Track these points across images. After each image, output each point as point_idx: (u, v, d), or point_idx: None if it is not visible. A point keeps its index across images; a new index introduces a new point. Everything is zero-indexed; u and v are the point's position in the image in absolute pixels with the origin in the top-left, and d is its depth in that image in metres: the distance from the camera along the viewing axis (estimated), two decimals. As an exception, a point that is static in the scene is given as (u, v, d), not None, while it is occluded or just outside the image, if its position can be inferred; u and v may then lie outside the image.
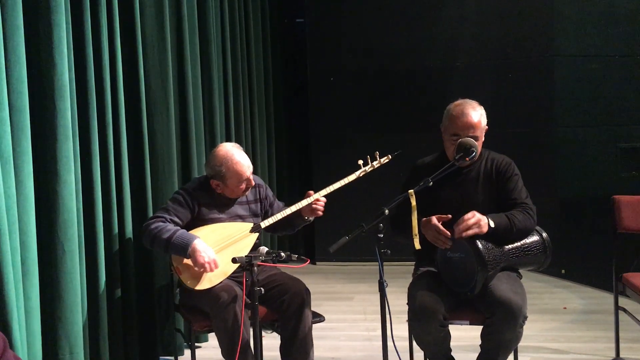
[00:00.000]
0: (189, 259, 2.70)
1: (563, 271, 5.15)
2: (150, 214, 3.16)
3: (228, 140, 4.35)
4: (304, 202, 2.87)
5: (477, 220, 2.49)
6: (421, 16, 5.72)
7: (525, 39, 5.50)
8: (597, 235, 4.97)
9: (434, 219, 2.55)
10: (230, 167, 2.82)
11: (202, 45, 3.93)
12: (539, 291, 4.75)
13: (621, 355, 3.21)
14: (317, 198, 2.87)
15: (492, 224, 2.52)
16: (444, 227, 2.54)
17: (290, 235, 5.85)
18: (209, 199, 2.88)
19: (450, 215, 2.55)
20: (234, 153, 2.85)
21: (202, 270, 2.69)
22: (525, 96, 5.49)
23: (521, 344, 2.64)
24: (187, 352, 3.43)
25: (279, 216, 2.88)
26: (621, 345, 3.21)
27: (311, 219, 2.99)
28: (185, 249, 2.66)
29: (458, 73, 5.65)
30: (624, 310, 3.16)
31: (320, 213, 2.92)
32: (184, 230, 2.74)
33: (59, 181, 2.45)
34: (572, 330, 3.84)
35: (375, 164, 2.98)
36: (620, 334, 3.21)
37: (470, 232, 2.48)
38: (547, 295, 4.67)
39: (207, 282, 2.73)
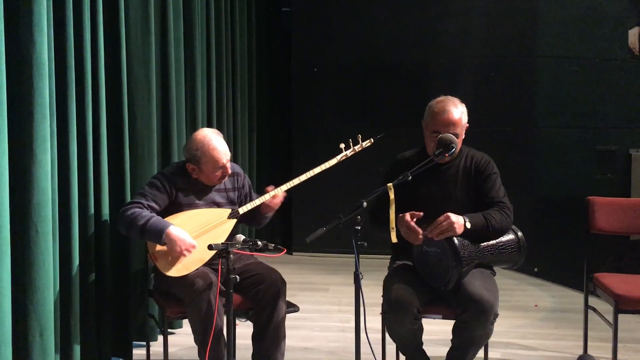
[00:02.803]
0: (164, 246, 2.68)
1: (536, 269, 5.23)
2: (128, 198, 3.13)
3: (209, 126, 4.32)
4: (263, 198, 2.85)
5: (450, 224, 2.50)
6: (406, 12, 5.72)
7: (508, 39, 5.55)
8: (570, 235, 5.04)
9: (407, 216, 2.57)
10: (206, 152, 2.79)
11: (186, 29, 3.89)
12: (512, 288, 4.82)
13: (588, 353, 3.27)
14: (276, 194, 2.86)
15: (468, 225, 2.54)
16: (419, 223, 2.56)
17: (267, 225, 5.82)
18: (187, 184, 2.86)
19: (422, 213, 2.57)
20: (212, 138, 2.82)
21: (178, 257, 2.67)
22: (506, 95, 5.54)
23: (492, 339, 2.68)
24: (161, 338, 3.41)
25: (257, 202, 2.87)
26: (589, 343, 3.27)
27: (269, 214, 2.97)
28: (159, 235, 2.65)
29: (441, 69, 5.68)
30: (594, 309, 3.21)
31: (274, 207, 2.91)
32: (159, 217, 2.71)
33: (34, 161, 2.41)
34: (542, 328, 3.90)
35: (357, 147, 2.97)
36: (589, 333, 3.27)
37: (443, 236, 2.51)
38: (519, 292, 4.74)
39: (183, 268, 2.72)
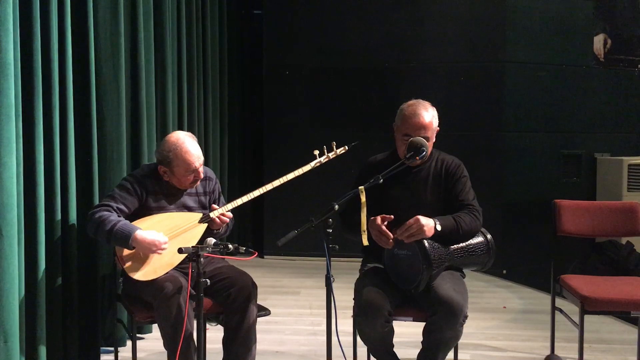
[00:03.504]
0: (132, 250, 2.64)
1: (504, 271, 5.31)
2: (97, 201, 3.08)
3: (180, 129, 4.28)
4: (220, 210, 2.81)
5: (419, 227, 2.52)
6: (378, 16, 5.76)
7: (478, 45, 5.64)
8: (537, 237, 5.15)
9: (378, 219, 2.58)
10: (178, 155, 2.76)
11: (157, 31, 3.85)
12: (481, 290, 4.88)
13: (555, 353, 3.33)
14: (223, 212, 2.83)
15: (438, 227, 2.56)
16: (390, 226, 2.57)
17: (238, 228, 5.81)
18: (158, 187, 2.82)
19: (392, 216, 2.58)
20: (185, 141, 2.79)
21: (149, 259, 2.63)
22: (476, 100, 5.63)
23: (461, 341, 2.71)
24: (129, 343, 3.36)
25: (229, 206, 2.84)
26: (556, 344, 3.33)
27: (217, 231, 2.91)
28: (127, 240, 2.60)
29: (412, 74, 5.73)
30: (560, 310, 3.27)
31: (217, 227, 2.86)
32: (127, 221, 2.67)
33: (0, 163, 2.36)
34: (510, 329, 3.96)
35: (331, 154, 2.96)
36: (556, 334, 3.33)
37: (413, 239, 2.52)
38: (488, 294, 4.80)
39: (152, 272, 2.69)
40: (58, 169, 2.83)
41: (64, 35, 2.85)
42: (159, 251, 2.64)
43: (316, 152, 2.92)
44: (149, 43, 3.71)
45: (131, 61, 3.50)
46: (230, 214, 2.86)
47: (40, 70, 2.66)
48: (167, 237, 2.67)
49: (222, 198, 3.06)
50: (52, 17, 2.74)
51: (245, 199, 2.85)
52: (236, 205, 2.85)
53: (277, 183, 2.87)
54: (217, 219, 2.83)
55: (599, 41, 5.84)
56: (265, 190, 2.86)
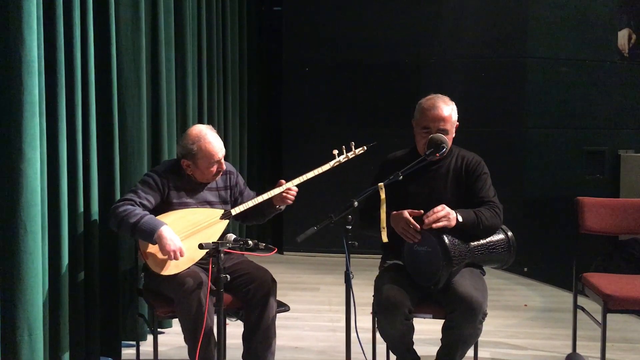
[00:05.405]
0: (155, 245, 2.67)
1: (525, 269, 5.26)
2: (118, 196, 3.11)
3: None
4: (275, 191, 2.85)
5: (447, 214, 2.52)
6: (398, 11, 5.74)
7: (499, 40, 5.58)
8: (559, 235, 5.09)
9: (406, 213, 2.57)
10: (202, 147, 2.79)
11: (177, 27, 3.88)
12: (501, 288, 4.84)
13: (577, 352, 3.29)
14: (290, 187, 2.86)
15: (460, 219, 2.55)
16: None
17: (258, 224, 5.83)
18: (179, 182, 2.85)
19: (422, 211, 2.57)
20: (207, 133, 2.83)
21: (167, 258, 2.66)
22: (497, 96, 5.57)
23: (482, 339, 2.69)
24: (150, 338, 3.39)
25: (250, 204, 2.86)
26: (578, 342, 3.30)
27: (282, 207, 2.98)
28: (151, 234, 2.63)
29: (432, 70, 5.70)
30: (582, 309, 3.23)
31: (290, 202, 2.91)
32: (152, 216, 2.70)
33: (23, 159, 2.39)
34: (531, 327, 3.93)
35: (350, 154, 2.97)
36: (578, 332, 3.29)
37: (440, 224, 2.51)
38: (508, 292, 4.76)
39: (173, 267, 2.71)
40: (80, 165, 2.86)
41: (86, 34, 2.89)
42: (172, 253, 2.64)
43: (335, 152, 2.94)
44: (170, 40, 3.74)
45: (152, 59, 3.53)
46: (295, 189, 2.88)
47: (64, 68, 2.69)
48: (184, 248, 2.67)
49: (248, 190, 3.08)
50: (74, 16, 2.77)
51: (310, 174, 2.87)
52: (301, 181, 2.86)
53: (301, 179, 2.88)
54: (288, 195, 2.85)
55: (623, 36, 5.74)
56: (317, 174, 2.89)
